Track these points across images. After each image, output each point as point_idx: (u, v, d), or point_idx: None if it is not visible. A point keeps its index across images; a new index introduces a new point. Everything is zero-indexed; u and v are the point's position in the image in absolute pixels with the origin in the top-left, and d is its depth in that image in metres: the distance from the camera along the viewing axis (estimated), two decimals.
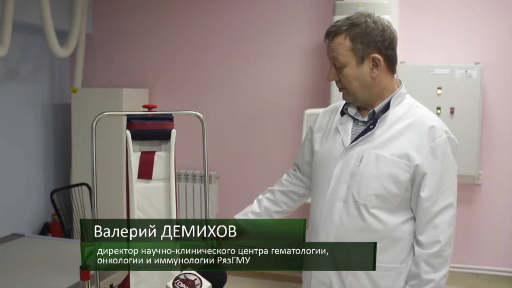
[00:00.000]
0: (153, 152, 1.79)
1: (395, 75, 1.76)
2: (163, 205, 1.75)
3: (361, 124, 1.73)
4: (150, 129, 1.78)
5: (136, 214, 1.71)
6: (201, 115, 1.87)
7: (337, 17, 3.66)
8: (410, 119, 1.67)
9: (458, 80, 3.93)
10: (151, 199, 1.75)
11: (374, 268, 1.66)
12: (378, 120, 1.69)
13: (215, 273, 1.41)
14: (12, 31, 3.75)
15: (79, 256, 1.75)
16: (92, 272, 1.74)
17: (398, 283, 1.67)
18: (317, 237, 1.75)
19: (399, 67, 4.05)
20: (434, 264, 1.63)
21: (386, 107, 1.70)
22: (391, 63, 1.70)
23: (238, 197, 4.57)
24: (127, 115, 1.80)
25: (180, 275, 1.32)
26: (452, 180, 1.66)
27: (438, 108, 3.98)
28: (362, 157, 1.67)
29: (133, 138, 1.76)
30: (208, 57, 4.62)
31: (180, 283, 1.31)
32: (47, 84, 4.75)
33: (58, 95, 4.89)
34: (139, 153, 1.78)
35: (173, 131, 1.79)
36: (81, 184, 3.93)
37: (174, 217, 1.74)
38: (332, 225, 1.70)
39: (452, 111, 3.96)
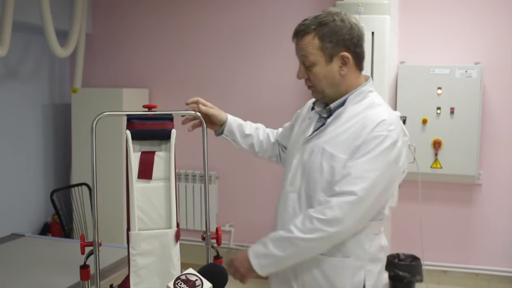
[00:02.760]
0: (153, 152, 1.78)
1: (362, 72, 1.79)
2: (163, 205, 1.75)
3: (323, 119, 1.78)
4: (150, 129, 1.76)
5: (136, 214, 1.71)
6: (200, 115, 1.87)
7: None
8: (361, 116, 1.68)
9: (458, 80, 3.93)
10: (151, 199, 1.74)
11: (321, 262, 1.68)
12: (332, 117, 1.72)
13: (216, 274, 1.41)
14: (12, 31, 3.75)
15: (79, 256, 1.75)
16: (92, 272, 1.74)
17: (345, 276, 1.68)
18: (276, 228, 1.80)
19: (399, 67, 4.05)
20: (305, 225, 1.61)
21: (342, 104, 1.73)
22: (359, 60, 1.73)
23: (238, 197, 4.58)
24: (127, 115, 1.78)
25: (181, 275, 1.31)
26: (369, 172, 1.59)
27: (438, 108, 3.98)
28: (313, 151, 1.71)
29: (133, 138, 1.75)
30: (208, 57, 4.62)
31: (181, 284, 1.30)
32: (47, 84, 4.75)
33: (58, 95, 4.89)
34: (139, 153, 1.77)
35: (173, 131, 1.76)
36: (81, 184, 3.93)
37: (174, 217, 1.73)
38: (287, 216, 1.75)
39: (452, 111, 3.96)
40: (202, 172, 4.60)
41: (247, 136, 2.04)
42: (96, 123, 1.80)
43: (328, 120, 1.73)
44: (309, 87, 1.77)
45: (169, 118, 1.80)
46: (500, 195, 4.06)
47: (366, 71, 3.73)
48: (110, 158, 4.25)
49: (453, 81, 3.94)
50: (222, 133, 2.00)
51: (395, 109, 4.04)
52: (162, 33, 4.74)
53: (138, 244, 1.68)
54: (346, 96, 1.72)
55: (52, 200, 3.65)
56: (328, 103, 1.77)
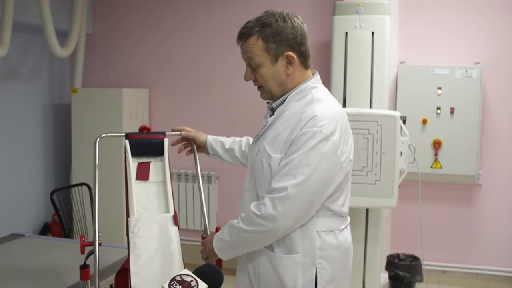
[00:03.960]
0: (149, 162, 1.92)
1: (309, 69, 1.80)
2: (162, 200, 1.82)
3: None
4: (146, 138, 1.93)
5: (135, 209, 1.74)
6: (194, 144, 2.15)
7: (337, 17, 3.67)
8: (299, 113, 1.69)
9: (458, 80, 3.93)
10: (148, 196, 1.82)
11: (272, 259, 1.71)
12: (273, 115, 1.76)
13: (212, 274, 1.41)
14: (12, 31, 3.75)
15: (79, 256, 1.75)
16: (92, 272, 1.74)
17: (296, 272, 1.69)
18: None
19: (399, 67, 4.05)
20: (246, 217, 1.67)
21: (283, 102, 1.76)
22: (304, 58, 1.76)
23: (238, 197, 4.56)
24: (126, 133, 1.93)
25: (176, 276, 1.31)
26: (300, 168, 1.60)
27: (438, 108, 3.98)
28: (259, 150, 1.76)
29: (132, 154, 1.89)
30: (208, 56, 4.63)
31: (176, 285, 1.30)
32: (47, 84, 4.75)
33: (58, 95, 4.89)
34: (136, 163, 1.90)
35: (166, 139, 1.95)
36: (81, 184, 3.92)
37: (171, 204, 1.79)
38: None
39: (452, 111, 3.96)
40: (202, 172, 4.60)
41: (228, 150, 2.15)
42: (98, 142, 1.92)
43: (270, 119, 1.77)
44: (258, 88, 1.81)
45: (162, 133, 1.99)
46: (500, 195, 4.06)
47: (366, 71, 3.76)
48: (110, 158, 4.24)
49: (453, 81, 3.94)
50: (209, 153, 2.19)
51: (395, 109, 4.04)
52: (162, 33, 4.74)
53: (137, 228, 1.69)
54: (287, 94, 1.76)
55: (52, 200, 3.65)
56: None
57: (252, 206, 1.66)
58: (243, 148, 2.16)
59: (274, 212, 1.60)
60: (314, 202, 1.65)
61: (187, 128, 2.14)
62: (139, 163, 1.89)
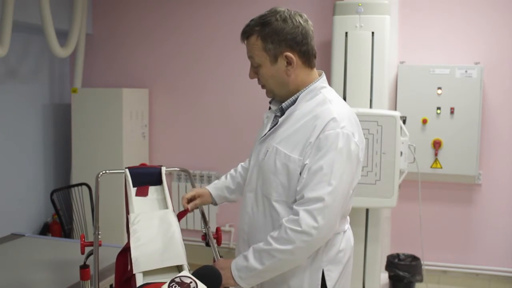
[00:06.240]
0: (148, 186, 2.00)
1: (314, 68, 1.77)
2: (162, 207, 1.82)
3: (277, 118, 1.77)
4: (144, 166, 2.09)
5: (134, 201, 1.82)
6: (190, 171, 2.18)
7: (337, 17, 3.67)
8: (313, 114, 1.65)
9: (458, 80, 3.93)
10: (148, 206, 1.86)
11: None
12: (284, 116, 1.71)
13: (211, 276, 1.41)
14: (12, 31, 3.75)
15: (79, 256, 1.75)
16: (92, 272, 1.74)
17: (303, 276, 1.68)
18: (239, 225, 1.84)
19: (399, 67, 4.05)
20: (281, 236, 1.56)
21: (294, 102, 1.71)
22: (306, 58, 1.71)
23: None
24: (126, 168, 2.02)
25: (175, 278, 1.31)
26: (333, 173, 1.56)
27: (438, 108, 3.98)
28: (267, 150, 1.71)
29: (132, 184, 1.97)
30: (208, 57, 4.63)
31: (175, 286, 1.30)
32: (47, 84, 4.75)
33: (58, 95, 4.89)
34: (135, 189, 1.97)
35: (163, 168, 2.02)
36: (81, 184, 3.92)
37: (170, 207, 1.81)
38: (246, 215, 1.77)
39: (452, 111, 3.96)
40: (202, 172, 4.61)
41: (235, 191, 2.05)
42: (100, 176, 2.07)
43: (281, 119, 1.72)
44: (262, 86, 1.77)
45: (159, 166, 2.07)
46: (500, 195, 4.06)
47: (366, 71, 3.76)
48: (110, 157, 4.25)
49: (453, 81, 3.94)
50: (217, 203, 2.09)
51: (395, 109, 4.04)
52: (162, 33, 4.74)
53: (137, 220, 1.70)
54: (297, 94, 1.71)
55: (52, 200, 3.65)
56: (282, 101, 1.76)
57: (287, 223, 1.56)
58: (244, 176, 2.08)
59: (316, 224, 1.53)
60: (344, 204, 1.63)
61: (189, 195, 2.01)
62: (138, 187, 1.96)
